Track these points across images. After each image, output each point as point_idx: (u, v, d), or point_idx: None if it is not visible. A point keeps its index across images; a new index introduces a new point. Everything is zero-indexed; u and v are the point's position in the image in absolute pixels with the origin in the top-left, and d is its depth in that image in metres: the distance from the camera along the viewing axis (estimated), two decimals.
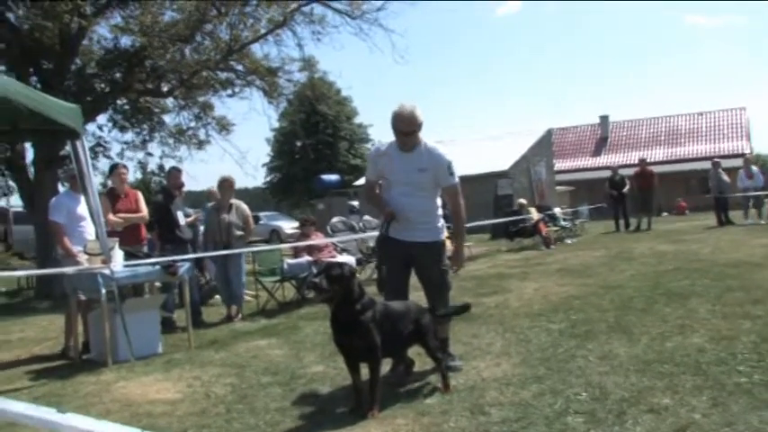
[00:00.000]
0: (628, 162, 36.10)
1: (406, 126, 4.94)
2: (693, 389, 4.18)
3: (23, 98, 5.46)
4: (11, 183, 16.33)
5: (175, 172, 9.50)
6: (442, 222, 5.25)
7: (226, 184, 9.31)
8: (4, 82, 5.56)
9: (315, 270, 8.88)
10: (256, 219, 36.45)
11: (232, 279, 9.10)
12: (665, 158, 41.73)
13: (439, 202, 5.21)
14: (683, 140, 44.05)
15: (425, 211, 5.11)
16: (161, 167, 18.68)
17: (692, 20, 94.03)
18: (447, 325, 5.25)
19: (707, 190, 20.38)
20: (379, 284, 5.24)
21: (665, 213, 30.82)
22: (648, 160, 24.49)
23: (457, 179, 5.13)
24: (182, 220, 8.90)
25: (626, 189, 19.87)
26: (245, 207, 9.39)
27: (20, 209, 18.15)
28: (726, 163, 23.73)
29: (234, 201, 9.29)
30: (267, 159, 50.62)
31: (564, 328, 6.33)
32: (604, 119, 47.76)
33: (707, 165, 21.93)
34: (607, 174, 22.59)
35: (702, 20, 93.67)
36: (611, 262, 11.72)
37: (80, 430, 1.75)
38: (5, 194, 16.71)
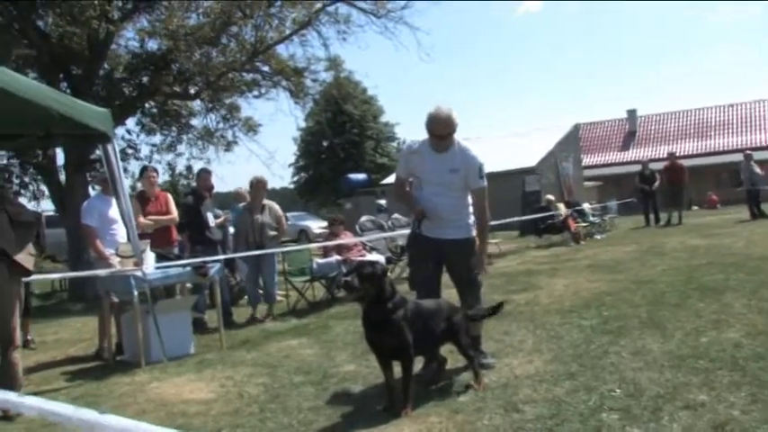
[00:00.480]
0: (657, 156, 35.73)
1: (442, 129, 4.95)
2: (731, 385, 4.11)
3: (55, 103, 5.53)
4: (42, 187, 16.54)
5: (205, 174, 9.57)
6: (472, 219, 5.23)
7: (259, 185, 9.36)
8: (36, 88, 5.64)
9: (344, 269, 8.90)
10: (285, 218, 36.75)
11: (265, 279, 9.17)
12: (694, 152, 41.16)
13: (470, 200, 5.19)
14: (712, 133, 43.44)
15: (457, 209, 5.11)
16: (189, 169, 18.86)
17: (716, 18, 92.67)
18: (479, 323, 5.23)
19: (738, 183, 20.04)
20: (411, 283, 5.24)
21: (696, 207, 30.43)
22: (678, 154, 24.19)
23: (485, 182, 5.13)
24: (211, 221, 8.97)
25: (656, 184, 19.63)
26: (277, 207, 9.45)
27: (51, 212, 18.39)
28: (758, 155, 23.34)
29: (266, 201, 9.35)
30: (293, 159, 50.83)
31: (596, 325, 6.28)
32: (632, 113, 47.25)
33: (738, 157, 21.60)
34: (635, 168, 22.37)
35: (730, 11, 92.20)
36: (642, 257, 11.60)
37: (120, 430, 1.76)
38: (36, 198, 16.94)
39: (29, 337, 8.15)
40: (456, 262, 5.16)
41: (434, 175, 5.05)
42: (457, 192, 5.08)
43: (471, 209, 5.21)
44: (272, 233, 9.20)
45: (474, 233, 5.23)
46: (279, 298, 9.95)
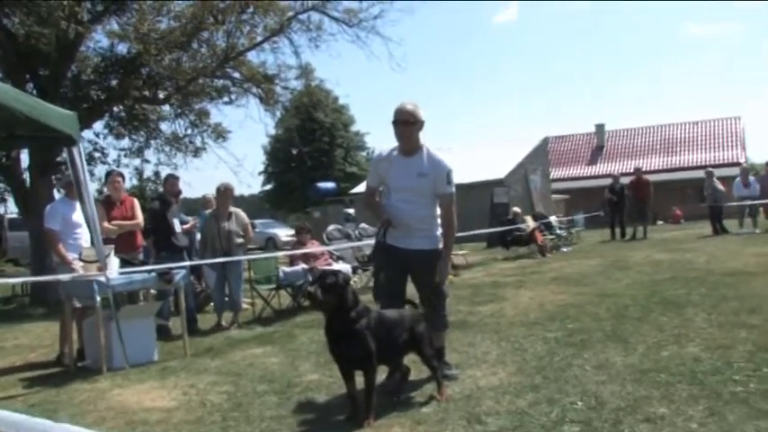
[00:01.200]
0: (623, 171, 36.13)
1: (401, 114, 4.98)
2: (689, 398, 4.18)
3: (20, 105, 5.46)
4: (7, 188, 16.27)
5: (172, 179, 9.50)
6: (440, 231, 5.21)
7: (226, 192, 9.30)
8: (0, 88, 5.55)
9: (310, 278, 8.87)
10: (252, 226, 36.55)
11: (231, 286, 9.10)
12: (660, 167, 41.78)
13: (438, 210, 5.17)
14: (678, 149, 44.13)
15: (424, 218, 5.09)
16: (157, 174, 18.63)
17: (688, 29, 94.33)
18: (443, 334, 5.24)
19: (702, 199, 20.38)
20: (375, 292, 5.22)
21: (661, 222, 30.89)
22: (644, 169, 24.53)
23: (453, 188, 5.11)
24: (178, 227, 8.90)
25: (625, 200, 19.89)
26: (243, 215, 9.39)
27: (15, 215, 18.10)
28: (721, 172, 23.80)
29: (233, 208, 9.29)
30: (262, 167, 50.63)
31: (560, 337, 6.33)
32: (600, 127, 47.83)
33: (702, 174, 21.95)
34: (603, 182, 22.66)
35: (698, 29, 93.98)
36: (606, 271, 11.73)
37: None
38: (2, 200, 16.68)
39: None
40: (421, 273, 5.13)
41: (402, 180, 5.04)
42: (425, 199, 5.06)
43: (440, 220, 5.18)
44: (240, 240, 9.15)
45: (441, 245, 5.20)
46: (245, 306, 9.89)
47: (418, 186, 5.02)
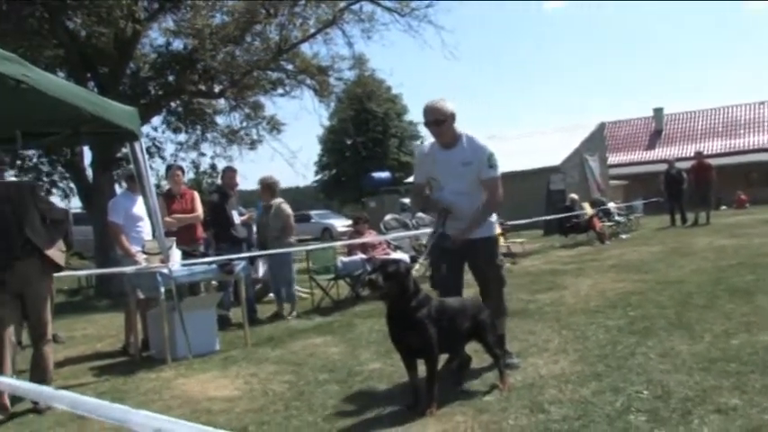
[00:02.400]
0: (684, 155, 35.34)
1: (429, 115, 4.95)
2: (763, 389, 4.04)
3: (85, 102, 5.59)
4: (71, 184, 16.74)
5: (230, 172, 9.60)
6: (494, 217, 5.21)
7: (263, 185, 9.43)
8: (66, 87, 5.69)
9: (369, 268, 8.90)
10: (307, 217, 36.88)
11: (278, 278, 9.21)
12: (723, 150, 40.60)
13: None
14: (742, 131, 42.80)
15: (478, 206, 5.05)
16: (213, 167, 18.95)
17: (749, 5, 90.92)
18: (503, 321, 5.19)
19: None
20: (433, 282, 5.20)
21: (725, 207, 30.05)
22: (706, 153, 23.91)
23: (498, 172, 5.03)
24: (236, 219, 9.01)
25: (684, 185, 19.42)
26: (284, 208, 9.32)
27: (78, 210, 18.61)
28: None
29: (275, 201, 9.32)
30: (317, 159, 50.95)
31: (622, 325, 6.22)
32: (658, 111, 46.74)
33: (767, 156, 21.29)
34: (661, 167, 22.17)
35: (760, 5, 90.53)
36: (668, 257, 11.48)
37: (146, 426, 1.77)
38: (66, 196, 17.16)
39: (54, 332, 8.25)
40: (478, 261, 5.11)
41: (449, 173, 5.01)
42: (477, 187, 5.03)
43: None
44: (274, 234, 9.20)
45: (496, 231, 5.22)
46: (304, 295, 10.00)
47: (465, 176, 4.99)
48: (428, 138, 5.37)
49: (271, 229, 9.20)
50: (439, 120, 4.94)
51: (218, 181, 12.38)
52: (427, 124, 5.01)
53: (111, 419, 1.83)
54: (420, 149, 5.41)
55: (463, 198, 5.00)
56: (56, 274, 5.39)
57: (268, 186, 9.48)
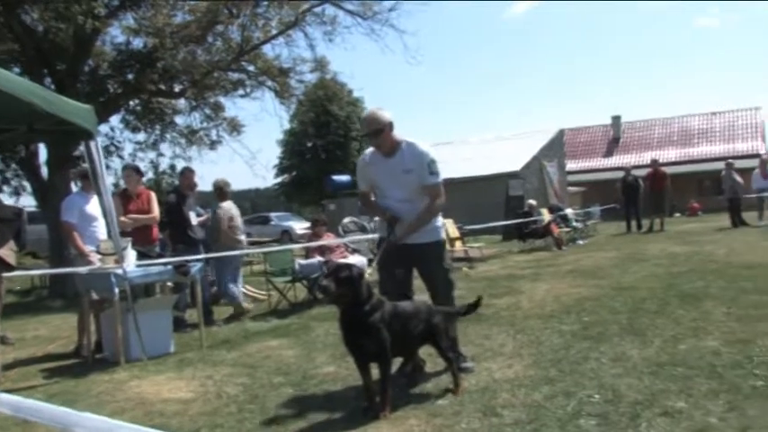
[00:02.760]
0: (640, 163, 35.95)
1: (366, 125, 5.00)
2: (708, 392, 4.14)
3: (39, 99, 5.49)
4: (23, 182, 16.44)
5: (188, 173, 9.51)
6: (440, 222, 5.26)
7: (213, 187, 9.65)
8: (20, 83, 5.59)
9: (326, 271, 8.89)
10: (267, 219, 36.63)
11: (219, 280, 9.29)
12: (678, 159, 41.46)
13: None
14: (696, 141, 43.78)
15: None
16: (172, 167, 18.76)
17: (706, 19, 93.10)
18: (454, 325, 5.20)
19: (720, 191, 20.22)
20: (382, 288, 5.15)
21: (678, 214, 30.64)
22: (661, 161, 24.39)
23: (439, 178, 5.06)
24: (194, 220, 8.94)
25: (640, 192, 19.79)
26: (218, 212, 9.44)
27: (33, 208, 18.26)
28: (740, 163, 23.57)
29: (222, 204, 9.49)
30: (277, 161, 50.61)
31: (576, 330, 6.31)
32: (616, 119, 47.55)
33: (720, 165, 21.79)
34: (619, 174, 22.53)
35: (714, 20, 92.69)
36: (623, 263, 11.67)
37: (94, 429, 1.75)
38: (17, 194, 16.84)
39: (0, 333, 8.07)
40: (427, 265, 5.15)
41: (391, 181, 5.05)
42: (418, 194, 5.04)
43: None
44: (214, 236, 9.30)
45: (443, 235, 5.28)
46: (262, 298, 9.96)
47: (407, 183, 5.01)
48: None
49: (211, 231, 9.19)
50: (377, 130, 4.95)
51: (177, 181, 12.27)
52: (365, 135, 5.04)
53: (55, 423, 1.80)
54: (361, 159, 5.37)
55: (406, 205, 5.04)
56: (6, 274, 5.28)
57: (216, 189, 9.55)
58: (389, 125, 4.98)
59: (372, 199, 5.30)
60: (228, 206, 9.49)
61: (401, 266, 5.12)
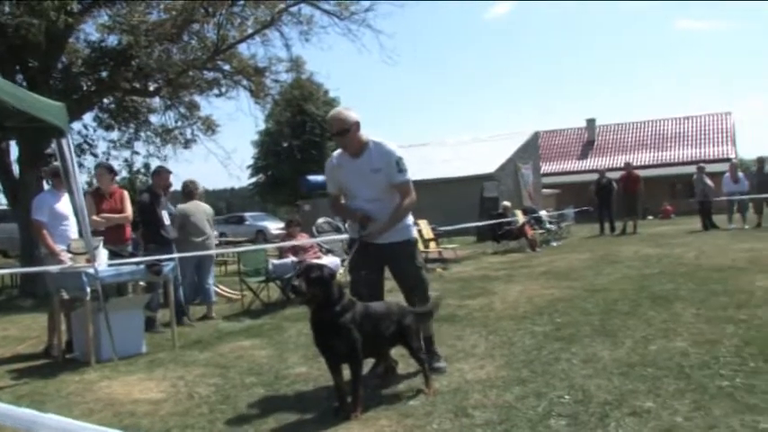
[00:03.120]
0: (614, 165, 36.33)
1: (332, 126, 5.00)
2: (676, 392, 4.20)
3: (8, 96, 5.42)
4: None
5: (164, 173, 9.39)
6: (411, 220, 5.26)
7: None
8: None
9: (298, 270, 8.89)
10: (242, 219, 36.45)
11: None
12: (651, 162, 41.96)
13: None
14: (669, 144, 44.33)
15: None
16: (147, 166, 18.60)
17: (682, 24, 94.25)
18: (429, 324, 5.22)
19: (692, 194, 20.51)
20: (354, 288, 5.15)
21: (651, 217, 31.01)
22: (634, 164, 24.66)
23: (407, 176, 5.07)
24: (167, 219, 8.86)
25: (614, 195, 20.00)
26: (176, 212, 9.42)
27: (3, 206, 18.04)
28: (711, 167, 23.93)
29: (189, 203, 9.53)
30: (252, 161, 50.40)
31: (548, 331, 6.36)
32: (591, 122, 48.03)
33: (692, 169, 22.08)
34: (593, 177, 22.74)
35: (691, 24, 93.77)
36: (596, 265, 11.78)
37: (61, 431, 1.73)
38: None
39: None
40: (399, 264, 5.14)
41: (359, 182, 5.03)
42: (387, 194, 5.05)
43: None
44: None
45: (414, 234, 5.27)
46: (236, 297, 9.93)
47: (375, 183, 5.00)
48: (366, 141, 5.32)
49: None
50: (344, 129, 4.95)
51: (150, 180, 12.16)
52: (332, 135, 5.03)
53: (18, 425, 1.78)
54: (329, 161, 5.32)
55: (376, 204, 5.03)
56: None
57: (182, 189, 9.65)
58: (356, 125, 4.97)
59: (342, 202, 5.29)
60: (187, 206, 9.42)
61: (373, 267, 5.11)
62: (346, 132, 4.96)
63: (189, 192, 9.60)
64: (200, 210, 9.50)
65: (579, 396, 4.27)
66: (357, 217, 5.09)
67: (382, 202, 5.04)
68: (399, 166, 5.00)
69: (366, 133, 5.08)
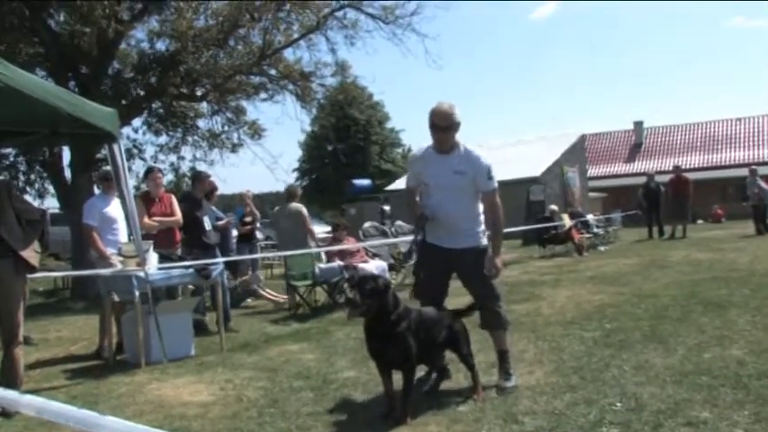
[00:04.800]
0: (662, 169, 35.68)
1: (441, 120, 4.79)
2: (734, 403, 4.08)
3: (63, 102, 5.54)
4: (47, 185, 16.63)
5: (205, 178, 9.46)
6: (483, 227, 5.07)
7: None
8: (44, 86, 5.65)
9: (346, 275, 8.89)
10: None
11: None
12: (701, 165, 41.11)
13: (481, 207, 5.02)
14: (720, 147, 43.34)
15: (468, 217, 4.94)
16: (193, 170, 18.85)
17: (734, 22, 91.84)
18: (504, 335, 5.08)
19: (744, 198, 19.99)
20: (416, 293, 5.11)
21: (701, 221, 30.36)
22: (684, 167, 24.20)
23: (495, 184, 4.96)
24: (208, 225, 8.86)
25: (662, 197, 19.66)
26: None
27: (56, 210, 18.46)
28: (764, 170, 23.30)
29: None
30: (297, 164, 50.80)
31: (598, 337, 6.26)
32: (639, 125, 47.23)
33: (744, 172, 21.55)
34: (641, 180, 22.37)
35: (744, 22, 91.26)
36: (645, 270, 11.57)
37: None
38: (41, 196, 17.04)
39: (24, 334, 8.12)
40: (468, 272, 4.97)
41: (439, 179, 4.89)
42: (465, 197, 4.91)
43: (482, 217, 5.03)
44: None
45: (485, 241, 5.06)
46: (281, 300, 9.99)
47: (455, 184, 4.85)
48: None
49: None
50: (451, 125, 4.81)
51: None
52: (435, 127, 4.83)
53: (77, 425, 1.80)
54: (413, 154, 5.27)
55: (448, 206, 4.86)
56: (30, 276, 5.32)
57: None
58: (458, 125, 4.87)
59: (416, 198, 5.16)
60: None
61: (438, 270, 4.98)
62: (451, 129, 4.83)
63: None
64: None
65: (631, 404, 4.19)
66: (416, 213, 5.00)
67: (455, 203, 4.87)
68: (490, 174, 4.90)
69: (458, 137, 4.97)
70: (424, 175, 5.01)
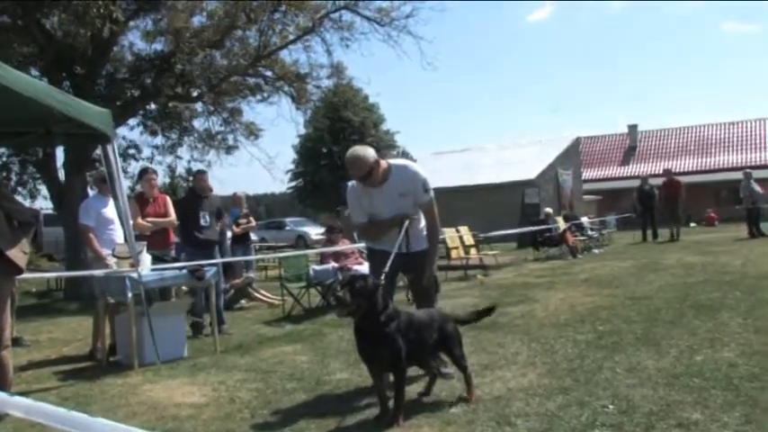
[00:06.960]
0: (656, 172, 35.75)
1: (359, 170, 4.91)
2: (725, 404, 4.10)
3: (56, 102, 5.53)
4: (38, 185, 16.60)
5: (202, 175, 9.43)
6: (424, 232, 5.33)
7: None
8: (38, 86, 5.64)
9: (341, 276, 8.89)
10: (282, 224, 36.67)
11: None
12: (694, 169, 41.23)
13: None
14: (713, 150, 43.49)
15: (419, 226, 5.23)
16: (189, 171, 18.84)
17: (728, 27, 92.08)
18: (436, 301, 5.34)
19: (738, 201, 20.08)
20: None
21: (694, 224, 30.44)
22: (678, 170, 24.32)
23: (432, 194, 5.14)
24: (204, 221, 8.78)
25: (656, 200, 19.73)
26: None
27: (49, 211, 18.43)
28: (758, 174, 23.37)
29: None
30: (293, 166, 50.66)
31: (591, 339, 6.27)
32: (633, 128, 47.37)
33: (737, 175, 21.65)
34: (635, 183, 22.42)
35: (738, 26, 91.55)
36: (638, 273, 11.60)
37: None
38: (33, 196, 17.00)
39: (15, 335, 8.08)
40: (419, 270, 5.19)
41: (386, 205, 5.06)
42: (413, 208, 5.14)
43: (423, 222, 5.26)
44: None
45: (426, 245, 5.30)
46: (276, 302, 9.96)
47: (403, 204, 5.05)
48: (405, 146, 5.40)
49: None
50: (368, 171, 4.90)
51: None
52: (358, 177, 4.97)
53: (67, 427, 1.80)
54: (351, 189, 5.30)
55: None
56: (23, 276, 5.26)
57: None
58: (376, 162, 4.94)
59: (369, 226, 5.29)
60: None
61: (392, 274, 5.05)
62: (373, 170, 4.93)
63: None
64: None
65: (623, 406, 4.19)
66: (396, 221, 5.07)
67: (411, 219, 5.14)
68: (425, 187, 5.09)
69: (381, 157, 5.11)
70: (373, 207, 5.14)
